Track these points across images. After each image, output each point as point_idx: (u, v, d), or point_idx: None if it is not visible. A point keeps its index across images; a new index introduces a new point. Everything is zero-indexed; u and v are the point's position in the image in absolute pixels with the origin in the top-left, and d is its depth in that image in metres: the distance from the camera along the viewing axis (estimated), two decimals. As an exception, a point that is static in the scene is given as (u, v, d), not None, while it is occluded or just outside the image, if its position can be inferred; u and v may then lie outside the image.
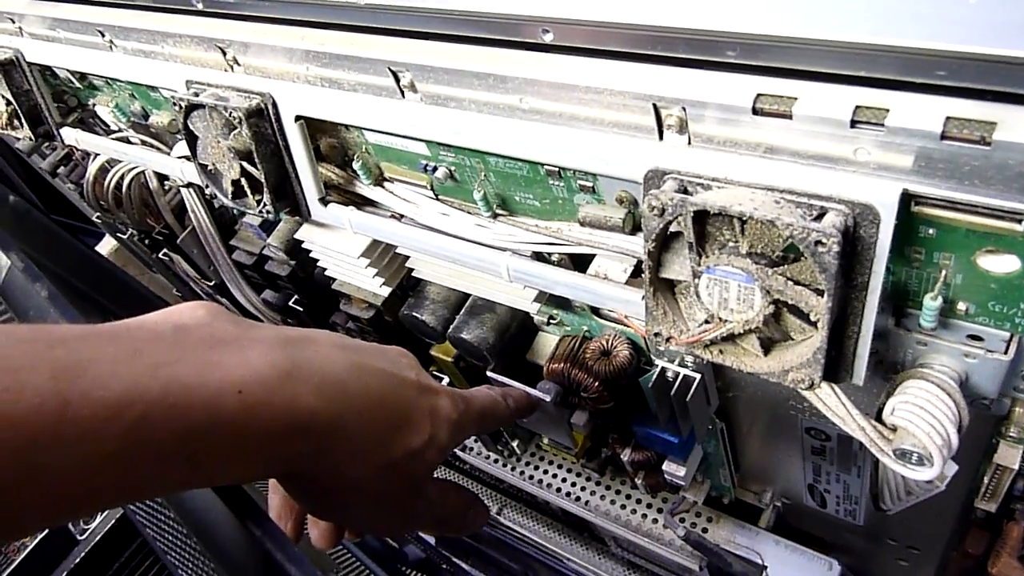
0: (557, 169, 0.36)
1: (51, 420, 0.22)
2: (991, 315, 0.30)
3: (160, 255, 0.80)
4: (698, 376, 0.43)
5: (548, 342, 0.50)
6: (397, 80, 0.38)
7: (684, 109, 0.29)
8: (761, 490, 0.60)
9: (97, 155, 0.66)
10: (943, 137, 0.24)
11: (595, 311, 0.44)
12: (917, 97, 0.25)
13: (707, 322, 0.31)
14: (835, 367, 0.30)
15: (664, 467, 0.53)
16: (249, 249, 0.63)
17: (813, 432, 0.47)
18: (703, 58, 0.28)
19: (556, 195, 0.38)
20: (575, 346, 0.47)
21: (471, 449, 0.74)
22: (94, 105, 0.65)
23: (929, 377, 0.32)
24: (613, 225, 0.36)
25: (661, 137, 0.31)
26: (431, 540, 1.05)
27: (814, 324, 0.28)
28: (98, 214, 0.76)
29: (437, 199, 0.45)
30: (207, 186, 0.49)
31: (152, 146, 0.61)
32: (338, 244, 0.49)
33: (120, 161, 0.65)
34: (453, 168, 0.42)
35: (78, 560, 0.76)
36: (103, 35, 0.53)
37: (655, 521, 0.63)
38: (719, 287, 0.29)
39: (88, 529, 0.77)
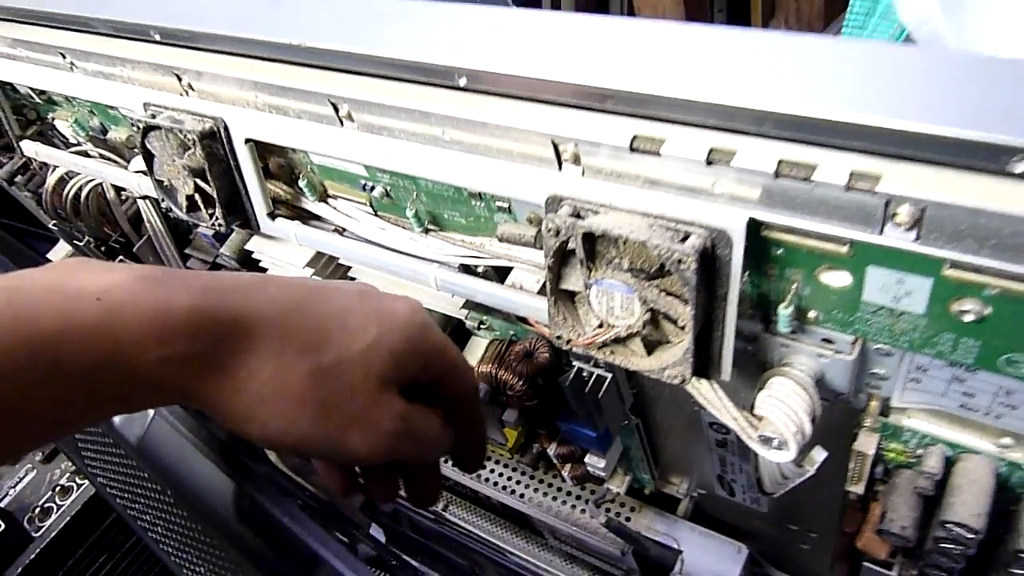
0: (477, 192, 0.41)
1: None
2: (836, 321, 0.35)
3: (116, 262, 0.83)
4: (609, 376, 0.48)
5: (480, 345, 0.54)
6: (336, 110, 0.42)
7: (577, 145, 0.34)
8: (679, 482, 0.66)
9: (56, 167, 0.69)
10: (777, 175, 0.29)
11: (520, 317, 0.49)
12: (758, 142, 0.30)
13: (600, 327, 0.36)
14: (705, 365, 0.35)
15: (586, 460, 0.58)
16: (203, 258, 0.67)
17: (715, 426, 0.52)
18: (591, 104, 0.33)
19: (479, 214, 0.43)
20: (502, 349, 0.52)
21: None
22: (53, 119, 0.68)
23: (789, 374, 0.38)
24: (526, 241, 0.41)
25: (560, 168, 0.36)
26: (381, 538, 1.09)
27: (683, 329, 0.33)
28: (55, 222, 0.78)
29: (375, 215, 0.49)
30: (163, 200, 0.53)
31: (110, 160, 0.64)
32: (285, 255, 0.53)
33: (79, 173, 0.68)
34: (388, 188, 0.46)
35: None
36: (64, 57, 0.56)
37: (583, 511, 0.68)
38: (606, 297, 0.35)
39: (63, 506, 0.79)
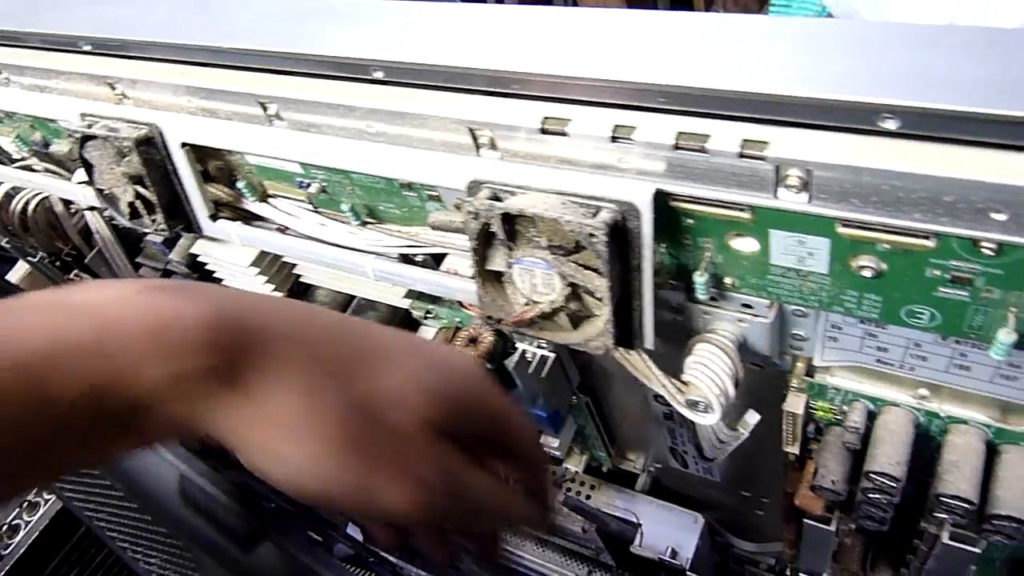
0: (407, 182, 0.42)
1: None
2: (750, 286, 0.37)
3: (71, 276, 0.83)
4: (553, 355, 0.49)
5: (427, 335, 0.56)
6: (265, 110, 0.43)
7: (493, 130, 0.35)
8: (635, 457, 0.67)
9: (1, 183, 0.69)
10: (676, 148, 0.31)
11: (459, 301, 0.50)
12: (657, 117, 0.32)
13: (526, 304, 0.37)
14: (628, 335, 0.37)
15: (541, 441, 0.60)
16: (154, 265, 0.67)
17: (659, 399, 0.54)
18: (502, 90, 0.35)
19: (411, 204, 0.44)
20: (448, 337, 0.53)
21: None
22: (-4, 136, 0.68)
23: (711, 340, 0.39)
24: (456, 228, 0.42)
25: (479, 153, 0.37)
26: (359, 537, 1.09)
27: (601, 301, 0.35)
28: (6, 239, 0.78)
29: (315, 211, 0.50)
30: (106, 209, 0.54)
31: (55, 173, 0.64)
32: (230, 256, 0.54)
33: (24, 188, 0.68)
34: (324, 184, 0.47)
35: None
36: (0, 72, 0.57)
37: (544, 492, 0.69)
38: (528, 274, 0.36)
39: (31, 521, 0.79)
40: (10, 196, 0.70)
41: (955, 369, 0.37)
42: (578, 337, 0.37)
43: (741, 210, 0.32)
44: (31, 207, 0.69)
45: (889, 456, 0.39)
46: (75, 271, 0.82)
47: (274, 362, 0.24)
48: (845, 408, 0.42)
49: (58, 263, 0.82)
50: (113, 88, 0.50)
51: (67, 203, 0.72)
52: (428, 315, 0.54)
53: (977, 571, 0.53)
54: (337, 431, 0.25)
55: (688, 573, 0.63)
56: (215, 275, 0.57)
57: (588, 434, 0.63)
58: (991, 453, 0.39)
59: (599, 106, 0.33)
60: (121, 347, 0.22)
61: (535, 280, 0.36)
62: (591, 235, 0.32)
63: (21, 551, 0.79)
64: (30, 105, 0.55)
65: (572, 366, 0.54)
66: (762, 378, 0.45)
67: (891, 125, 0.26)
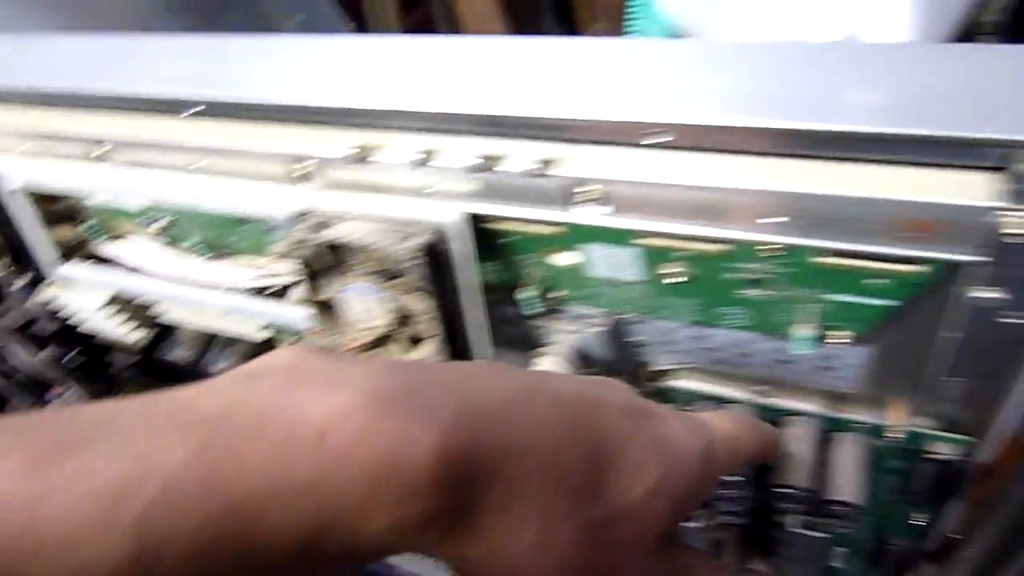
0: (241, 216, 0.42)
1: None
2: (579, 298, 0.38)
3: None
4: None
5: (299, 365, 0.55)
6: (96, 150, 0.42)
7: (312, 161, 0.36)
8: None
9: None
10: (480, 169, 0.32)
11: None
12: (461, 140, 0.32)
13: (364, 331, 0.38)
14: (464, 355, 0.37)
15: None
16: (17, 313, 0.65)
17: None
18: (315, 119, 0.35)
19: (255, 235, 0.44)
20: (316, 365, 0.52)
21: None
22: None
23: (551, 353, 0.40)
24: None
25: (302, 184, 0.37)
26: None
27: (431, 323, 0.35)
28: None
29: (168, 247, 0.49)
30: (-54, 259, 0.52)
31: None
32: (82, 300, 0.52)
33: None
34: (168, 220, 0.46)
35: None
36: None
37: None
38: (357, 301, 0.36)
39: None
40: None
41: (779, 364, 0.39)
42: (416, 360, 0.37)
43: (551, 226, 0.33)
44: None
45: (729, 452, 0.40)
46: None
47: (506, 493, 0.21)
48: (691, 409, 0.44)
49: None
50: (-59, 135, 0.48)
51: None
52: (293, 343, 0.53)
53: (847, 552, 0.55)
54: (574, 559, 0.22)
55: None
56: (68, 322, 0.55)
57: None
58: (825, 442, 0.41)
59: (409, 133, 0.34)
60: (342, 490, 0.19)
61: (363, 307, 0.36)
62: (407, 260, 0.32)
63: None
64: None
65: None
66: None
67: (662, 139, 0.28)
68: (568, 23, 1.18)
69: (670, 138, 0.28)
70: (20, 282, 0.53)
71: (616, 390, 0.26)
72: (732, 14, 0.58)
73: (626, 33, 0.69)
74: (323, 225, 0.35)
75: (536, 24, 1.18)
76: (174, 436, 0.17)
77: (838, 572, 0.59)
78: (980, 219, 0.25)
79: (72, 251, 0.51)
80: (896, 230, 0.26)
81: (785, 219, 0.28)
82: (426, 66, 0.35)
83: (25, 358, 0.69)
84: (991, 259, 0.26)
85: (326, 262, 0.35)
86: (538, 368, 0.40)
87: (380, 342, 0.37)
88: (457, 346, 0.37)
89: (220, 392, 0.19)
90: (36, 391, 0.84)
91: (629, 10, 0.68)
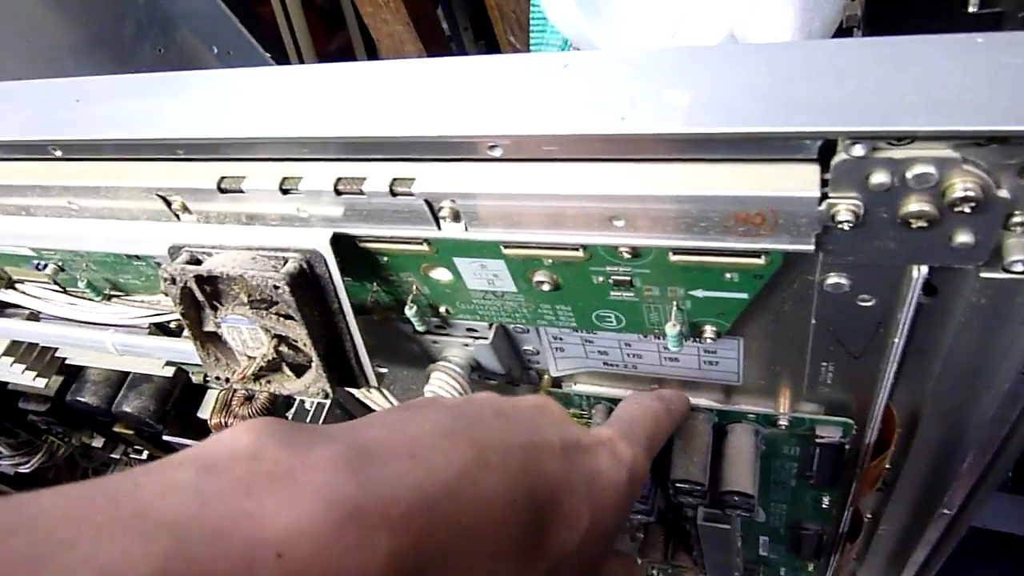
0: (122, 254, 0.41)
1: None
2: (463, 311, 0.38)
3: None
4: (328, 402, 0.49)
5: (213, 398, 0.55)
6: (-30, 198, 0.41)
7: (180, 195, 0.35)
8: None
9: None
10: (338, 192, 0.32)
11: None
12: (321, 165, 0.32)
13: (248, 360, 0.37)
14: (351, 376, 0.37)
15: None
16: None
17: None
18: (181, 154, 0.35)
19: (145, 272, 0.44)
20: (228, 398, 0.52)
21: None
22: None
23: (443, 367, 0.40)
24: (185, 292, 0.41)
25: (179, 218, 0.37)
26: None
27: (307, 348, 0.35)
28: None
29: (64, 292, 0.49)
30: None
31: None
32: (-19, 349, 0.51)
33: None
34: (61, 263, 0.46)
35: None
36: None
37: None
38: (236, 332, 0.36)
39: None
40: None
41: (667, 362, 0.40)
42: (299, 386, 0.37)
43: (419, 244, 0.33)
44: None
45: (628, 452, 0.41)
46: None
47: (460, 568, 0.22)
48: (593, 412, 0.44)
49: None
50: None
51: None
52: (207, 379, 0.53)
53: (769, 540, 0.56)
54: None
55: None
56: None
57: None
58: (720, 435, 0.42)
59: (273, 161, 0.34)
60: None
61: (244, 336, 0.36)
62: (275, 287, 0.32)
63: None
64: None
65: (358, 407, 0.54)
66: (525, 392, 0.46)
67: (496, 153, 0.28)
68: (485, 37, 1.19)
69: (508, 150, 0.28)
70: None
71: (550, 419, 0.28)
72: (612, 22, 0.59)
73: (530, 44, 0.70)
74: (200, 257, 0.35)
75: (456, 41, 1.19)
76: (138, 546, 0.17)
77: (766, 560, 0.60)
78: (808, 209, 0.26)
79: (-32, 301, 0.50)
80: (732, 225, 0.27)
81: (622, 222, 0.29)
82: (286, 94, 0.35)
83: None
84: (826, 247, 0.27)
85: (199, 295, 0.35)
86: (430, 382, 0.40)
87: (269, 368, 0.37)
88: (340, 369, 0.37)
89: (181, 490, 0.19)
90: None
91: (532, 24, 0.69)
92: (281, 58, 1.24)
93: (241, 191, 0.34)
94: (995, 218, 0.24)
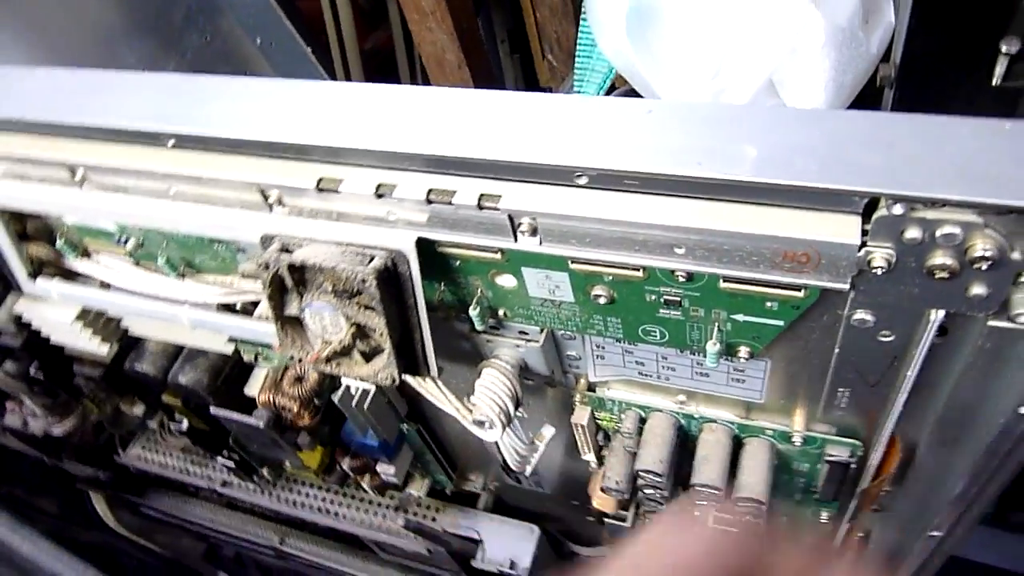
0: (211, 238, 0.45)
1: None
2: (520, 316, 0.42)
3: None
4: (372, 388, 0.53)
5: (260, 377, 0.58)
6: (73, 174, 0.45)
7: (279, 190, 0.39)
8: (475, 477, 0.72)
9: None
10: (429, 201, 0.36)
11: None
12: (415, 176, 0.37)
13: (324, 344, 0.41)
14: (414, 366, 0.41)
15: (378, 468, 0.63)
16: (-18, 327, 0.67)
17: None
18: (286, 155, 0.39)
19: (223, 255, 0.47)
20: (277, 377, 0.56)
21: (234, 484, 0.81)
22: None
23: (494, 365, 0.44)
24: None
25: (271, 210, 0.41)
26: None
27: (383, 337, 0.39)
28: None
29: (136, 265, 0.53)
30: (-80, 273, 0.54)
31: None
32: (53, 314, 0.55)
33: None
34: (141, 239, 0.50)
35: None
36: None
37: (389, 519, 0.72)
38: (318, 317, 0.40)
39: None
40: None
41: (698, 376, 0.44)
42: (368, 371, 0.41)
43: (494, 252, 0.37)
44: None
45: (653, 455, 0.45)
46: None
47: None
48: (623, 416, 0.48)
49: None
50: (-80, 155, 0.51)
51: None
52: (259, 357, 0.57)
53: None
54: None
55: (526, 581, 0.68)
56: (41, 333, 0.58)
57: (426, 459, 0.67)
58: (737, 445, 0.46)
59: (368, 168, 0.38)
60: None
61: (324, 322, 0.40)
62: (363, 280, 0.36)
63: None
64: None
65: (399, 397, 0.58)
66: (562, 395, 0.51)
67: (582, 181, 0.32)
68: (521, 51, 1.23)
69: (592, 180, 0.32)
70: (-11, 296, 0.56)
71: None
72: (660, 59, 0.63)
73: (575, 67, 0.75)
74: (289, 247, 0.39)
75: (491, 53, 1.23)
76: None
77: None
78: (849, 254, 0.30)
79: (43, 267, 0.54)
80: (780, 261, 0.31)
81: (683, 250, 0.33)
82: (387, 111, 0.39)
83: (-13, 370, 0.71)
84: (859, 287, 0.31)
85: (289, 281, 0.39)
86: (482, 378, 0.44)
87: (340, 354, 0.41)
88: (407, 359, 0.41)
89: None
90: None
91: (579, 48, 0.73)
92: (322, 53, 1.28)
93: (337, 191, 0.38)
94: (1007, 275, 0.29)
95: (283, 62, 1.31)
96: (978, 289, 0.29)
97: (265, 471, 0.73)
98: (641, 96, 0.66)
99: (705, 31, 0.61)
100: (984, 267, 0.28)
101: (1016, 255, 0.28)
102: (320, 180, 0.38)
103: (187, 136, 0.40)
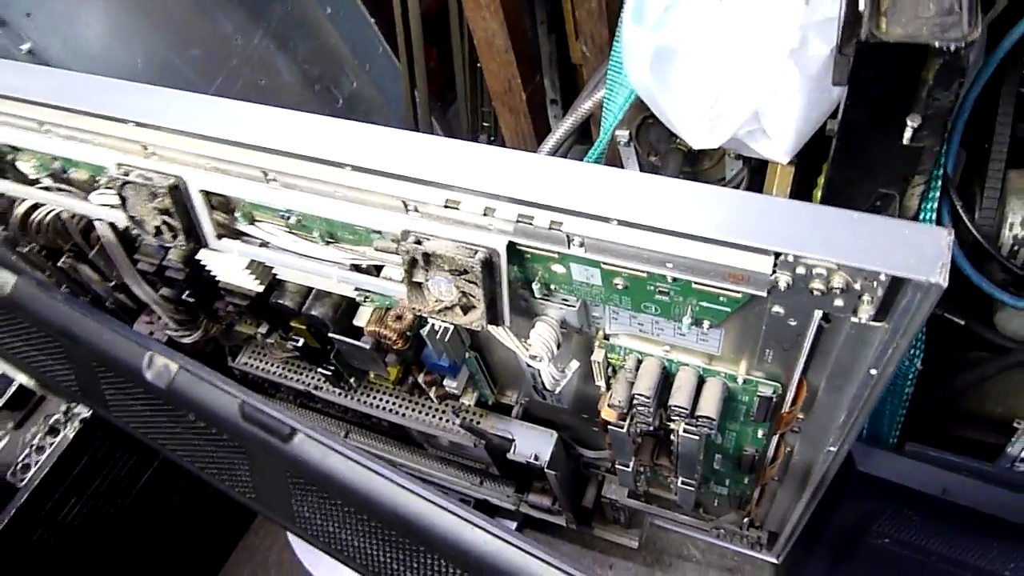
0: (364, 227, 0.67)
1: None
2: (565, 291, 0.64)
3: (59, 263, 1.01)
4: (452, 326, 0.76)
5: (365, 312, 0.81)
6: (265, 175, 0.67)
7: (416, 202, 0.61)
8: (511, 394, 0.95)
9: (24, 200, 0.88)
10: (518, 221, 0.58)
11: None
12: (508, 204, 0.58)
13: (436, 302, 0.64)
14: (496, 318, 0.64)
15: (445, 383, 0.87)
16: (151, 261, 0.89)
17: (522, 353, 0.82)
18: (425, 181, 0.60)
19: (360, 232, 0.69)
20: (381, 314, 0.78)
21: (320, 388, 1.05)
22: (14, 160, 0.87)
23: (544, 319, 0.67)
24: (392, 252, 0.67)
25: (408, 214, 0.62)
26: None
27: (479, 300, 0.61)
28: (5, 234, 0.97)
29: (291, 233, 0.74)
30: (134, 229, 0.76)
31: (71, 192, 0.85)
32: (227, 261, 0.77)
33: (43, 204, 0.88)
34: (300, 217, 0.71)
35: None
36: (40, 124, 0.77)
37: (447, 420, 0.96)
38: (437, 285, 0.62)
39: (40, 460, 1.00)
40: (28, 210, 0.90)
41: (677, 335, 0.66)
42: (466, 320, 0.63)
43: (552, 254, 0.59)
44: (48, 218, 0.89)
45: (645, 384, 0.68)
46: (63, 259, 1.01)
47: None
48: (626, 358, 0.71)
49: (43, 252, 1.01)
50: (145, 148, 0.72)
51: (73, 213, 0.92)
52: (366, 299, 0.79)
53: (721, 457, 0.84)
54: None
55: (546, 470, 0.92)
56: (213, 275, 0.80)
57: (478, 378, 0.90)
58: (701, 382, 0.69)
59: (479, 196, 0.59)
60: None
61: (441, 289, 0.62)
62: (471, 266, 0.58)
63: (35, 483, 1.00)
64: (71, 151, 0.76)
65: (465, 333, 0.80)
66: (586, 341, 0.73)
67: (613, 223, 0.54)
68: (556, 32, 1.41)
69: (619, 222, 0.54)
70: (182, 250, 0.78)
71: None
72: (673, 90, 0.83)
73: (607, 81, 0.94)
74: (420, 240, 0.61)
75: (531, 31, 1.41)
76: None
77: (718, 472, 0.89)
78: (764, 278, 0.52)
79: (223, 228, 0.76)
80: (728, 277, 0.53)
81: (671, 264, 0.55)
82: (492, 162, 0.60)
83: (147, 291, 0.94)
84: (772, 295, 0.53)
85: (420, 262, 0.61)
86: (536, 327, 0.67)
87: (447, 310, 0.64)
88: (492, 313, 0.63)
89: None
90: (130, 314, 1.09)
91: (610, 68, 0.93)
92: (387, 24, 1.46)
93: (457, 208, 0.59)
94: (854, 296, 0.51)
95: (348, 28, 1.50)
96: (838, 302, 0.52)
97: (352, 380, 0.97)
98: (655, 115, 0.86)
99: (709, 72, 0.81)
100: (839, 292, 0.50)
101: (857, 286, 0.50)
102: (447, 200, 0.60)
103: (361, 167, 0.61)
